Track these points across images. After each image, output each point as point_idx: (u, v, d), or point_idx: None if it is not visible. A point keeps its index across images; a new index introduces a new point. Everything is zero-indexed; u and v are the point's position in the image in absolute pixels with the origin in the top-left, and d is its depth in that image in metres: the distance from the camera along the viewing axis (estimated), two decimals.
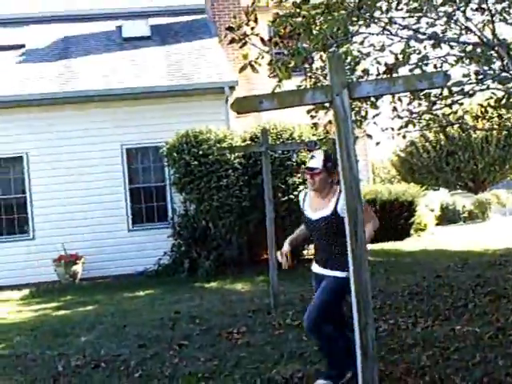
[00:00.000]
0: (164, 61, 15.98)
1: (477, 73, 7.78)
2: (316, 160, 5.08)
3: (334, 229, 4.93)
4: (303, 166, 5.33)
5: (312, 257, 5.50)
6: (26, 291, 12.85)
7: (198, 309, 9.14)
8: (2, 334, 8.56)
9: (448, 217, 26.45)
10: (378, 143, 9.45)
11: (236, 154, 12.83)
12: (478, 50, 7.49)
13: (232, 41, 7.83)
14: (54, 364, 6.70)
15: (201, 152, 12.88)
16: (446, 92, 7.90)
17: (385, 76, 7.46)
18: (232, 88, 14.45)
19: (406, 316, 7.54)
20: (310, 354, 6.28)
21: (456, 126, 9.20)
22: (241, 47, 7.82)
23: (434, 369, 5.43)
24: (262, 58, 7.62)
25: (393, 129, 9.12)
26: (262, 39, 7.79)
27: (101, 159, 14.35)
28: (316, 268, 5.33)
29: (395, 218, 17.32)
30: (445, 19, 7.56)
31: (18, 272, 13.91)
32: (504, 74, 7.07)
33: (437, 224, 22.59)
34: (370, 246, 14.42)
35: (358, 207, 4.15)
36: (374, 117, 8.64)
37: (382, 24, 7.44)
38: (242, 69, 7.48)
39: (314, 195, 5.19)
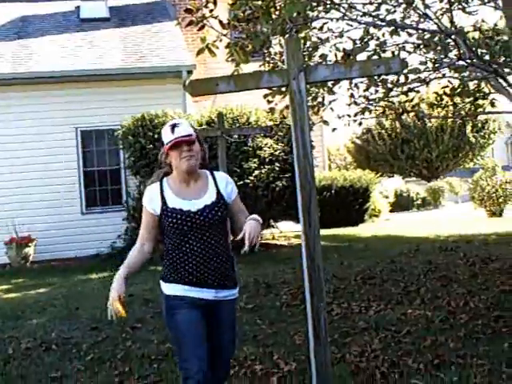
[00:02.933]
0: (122, 43, 15.79)
1: (434, 61, 7.87)
2: (183, 126, 3.67)
3: (223, 219, 3.67)
4: (169, 140, 3.64)
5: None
6: None
7: (151, 292, 9.07)
8: None
9: (402, 203, 26.84)
10: (334, 129, 9.52)
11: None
12: (436, 37, 7.57)
13: (190, 23, 7.76)
14: (4, 347, 6.60)
15: (156, 135, 12.77)
16: (402, 79, 7.98)
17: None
18: (190, 72, 14.37)
19: (359, 300, 7.61)
20: (263, 337, 6.31)
21: (411, 114, 9.29)
22: (199, 30, 7.75)
23: (386, 352, 5.50)
24: (221, 41, 7.58)
25: (349, 115, 9.18)
26: (220, 22, 7.74)
27: (55, 141, 14.12)
28: (200, 292, 3.63)
29: (350, 204, 17.50)
30: (404, 6, 7.62)
31: None
32: (460, 63, 7.16)
33: (390, 210, 22.90)
34: (324, 232, 14.55)
35: (312, 192, 4.16)
36: (330, 102, 8.69)
37: (342, 10, 7.46)
38: (200, 52, 7.42)
39: (181, 181, 3.72)
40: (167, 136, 3.67)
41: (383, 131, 30.47)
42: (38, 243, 13.75)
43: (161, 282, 3.75)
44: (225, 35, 7.83)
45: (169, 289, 3.67)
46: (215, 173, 3.81)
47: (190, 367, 3.47)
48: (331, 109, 8.87)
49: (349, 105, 8.91)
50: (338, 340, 5.94)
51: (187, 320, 3.57)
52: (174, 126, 3.65)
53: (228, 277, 3.70)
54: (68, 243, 14.00)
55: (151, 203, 3.71)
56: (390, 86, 8.23)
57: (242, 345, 6.07)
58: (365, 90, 8.62)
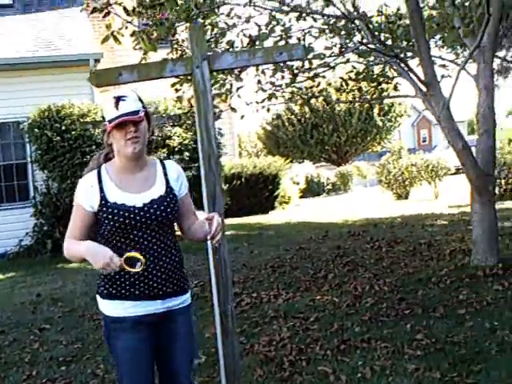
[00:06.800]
0: (26, 31, 15.18)
1: (339, 46, 7.96)
2: (130, 100, 2.97)
3: (173, 216, 3.07)
4: (112, 116, 2.91)
5: None
6: None
7: (60, 291, 8.84)
8: None
9: (312, 189, 27.15)
10: (242, 116, 9.53)
11: (100, 129, 12.54)
12: (341, 23, 7.65)
13: (94, 10, 7.58)
14: None
15: (63, 127, 12.42)
16: (307, 64, 8.03)
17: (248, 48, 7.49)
18: (97, 61, 13.97)
19: (269, 288, 7.62)
20: None
21: (320, 99, 9.41)
22: (104, 17, 7.60)
23: (294, 340, 5.53)
24: (126, 28, 7.43)
25: (257, 102, 9.19)
26: (125, 9, 7.59)
27: None
28: (144, 307, 2.98)
29: (260, 191, 17.58)
30: None
31: None
32: (363, 47, 7.26)
33: (301, 196, 23.11)
34: (234, 220, 14.50)
35: (217, 181, 4.12)
36: (237, 89, 8.66)
37: None
38: (105, 40, 7.28)
39: (124, 170, 3.05)
40: (110, 111, 2.95)
41: (293, 116, 30.79)
42: None
43: (97, 296, 3.06)
44: (130, 22, 7.68)
45: (106, 308, 3.01)
46: (165, 162, 3.21)
47: None
48: (238, 96, 8.85)
49: (256, 91, 8.92)
50: (246, 330, 5.91)
51: (129, 348, 2.98)
52: (118, 99, 2.94)
53: (177, 282, 3.06)
54: None
55: (86, 198, 2.97)
56: (295, 71, 8.27)
57: None
58: (271, 76, 8.64)
